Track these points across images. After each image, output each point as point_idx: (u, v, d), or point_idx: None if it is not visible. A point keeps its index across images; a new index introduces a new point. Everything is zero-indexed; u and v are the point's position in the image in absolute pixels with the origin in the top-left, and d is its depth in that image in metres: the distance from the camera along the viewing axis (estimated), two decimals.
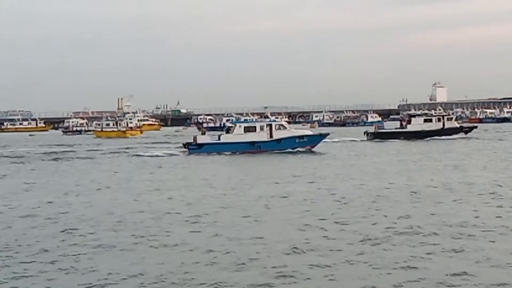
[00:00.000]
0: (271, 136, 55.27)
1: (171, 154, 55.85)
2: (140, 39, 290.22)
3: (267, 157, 50.31)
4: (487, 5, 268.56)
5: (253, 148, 54.54)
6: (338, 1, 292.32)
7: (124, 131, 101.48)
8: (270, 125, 55.92)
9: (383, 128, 69.44)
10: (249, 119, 61.78)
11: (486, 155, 46.13)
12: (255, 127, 56.23)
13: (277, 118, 65.69)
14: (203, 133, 58.31)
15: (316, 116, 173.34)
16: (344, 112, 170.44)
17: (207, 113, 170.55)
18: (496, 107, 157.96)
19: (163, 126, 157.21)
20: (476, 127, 73.48)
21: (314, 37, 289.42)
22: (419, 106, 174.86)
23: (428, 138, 63.60)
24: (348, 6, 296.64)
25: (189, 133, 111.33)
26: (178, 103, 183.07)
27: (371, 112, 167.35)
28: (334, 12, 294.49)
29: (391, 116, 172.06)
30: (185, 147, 56.74)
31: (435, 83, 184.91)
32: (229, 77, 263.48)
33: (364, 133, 68.66)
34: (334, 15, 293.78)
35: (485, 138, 67.29)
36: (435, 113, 70.17)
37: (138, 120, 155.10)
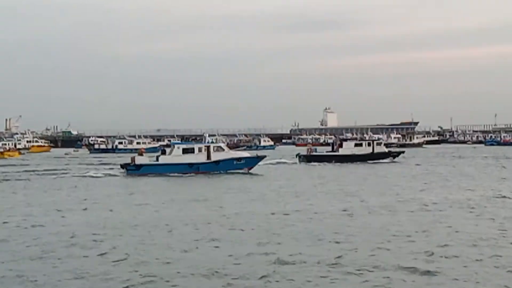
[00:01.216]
0: (209, 157, 56.08)
1: (110, 175, 55.61)
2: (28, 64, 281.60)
3: (204, 178, 50.83)
4: (380, 32, 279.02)
5: (192, 169, 55.10)
6: (232, 26, 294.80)
7: (1, 152, 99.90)
8: (208, 147, 56.73)
9: (316, 151, 71.76)
10: (188, 141, 62.26)
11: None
12: (193, 148, 56.86)
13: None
14: (140, 154, 58.26)
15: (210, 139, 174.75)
16: (237, 135, 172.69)
17: (99, 135, 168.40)
18: (384, 133, 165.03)
19: (53, 147, 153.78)
20: (403, 152, 76.90)
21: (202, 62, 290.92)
22: (311, 130, 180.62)
23: (358, 162, 66.31)
24: (245, 30, 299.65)
25: (79, 155, 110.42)
26: (69, 124, 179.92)
27: (264, 136, 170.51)
28: (225, 37, 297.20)
29: (283, 140, 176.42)
30: (123, 168, 56.60)
31: (326, 108, 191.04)
32: (123, 102, 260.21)
33: (296, 155, 70.64)
34: (227, 39, 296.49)
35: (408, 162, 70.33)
36: (365, 138, 73.26)
37: (27, 141, 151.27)
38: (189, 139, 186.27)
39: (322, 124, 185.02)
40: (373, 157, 68.84)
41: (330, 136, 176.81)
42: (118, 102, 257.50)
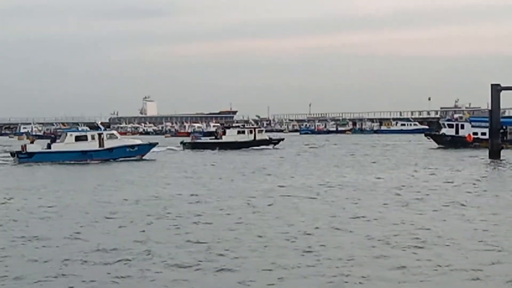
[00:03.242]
0: (102, 145, 56.19)
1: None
2: None
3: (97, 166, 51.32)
4: (200, 21, 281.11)
5: (85, 157, 54.99)
6: (48, 12, 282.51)
7: None
8: (101, 134, 56.79)
9: (200, 139, 73.25)
10: (80, 128, 61.47)
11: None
12: (86, 136, 56.63)
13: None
14: (32, 142, 57.01)
15: (25, 128, 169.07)
16: (54, 124, 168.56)
17: None
18: (203, 122, 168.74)
19: None
20: (283, 139, 79.89)
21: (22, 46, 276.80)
22: (130, 119, 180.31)
23: (241, 149, 68.85)
24: (58, 18, 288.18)
25: None
26: None
27: (82, 124, 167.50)
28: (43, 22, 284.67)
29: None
30: (13, 156, 55.19)
31: (145, 97, 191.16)
32: None
33: (181, 143, 71.77)
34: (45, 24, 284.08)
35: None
36: (247, 125, 75.78)
37: None
38: (2, 128, 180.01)
39: (142, 113, 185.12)
40: (255, 143, 71.86)
41: (150, 125, 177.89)
42: None
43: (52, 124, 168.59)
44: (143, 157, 57.41)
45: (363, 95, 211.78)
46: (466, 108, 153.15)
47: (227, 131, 73.90)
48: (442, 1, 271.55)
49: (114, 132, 60.28)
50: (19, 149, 56.41)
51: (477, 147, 64.77)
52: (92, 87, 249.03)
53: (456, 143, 68.23)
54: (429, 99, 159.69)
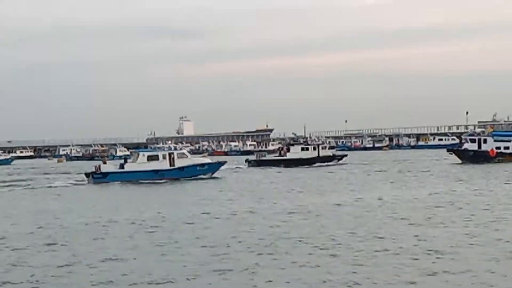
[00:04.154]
0: (172, 164, 57.09)
1: (76, 184, 55.13)
2: None
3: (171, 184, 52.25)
4: (231, 42, 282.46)
5: (157, 176, 55.88)
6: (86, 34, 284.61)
7: None
8: (172, 154, 57.72)
9: (265, 157, 74.28)
10: (151, 148, 62.54)
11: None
12: (157, 155, 57.61)
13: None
14: (104, 162, 58.10)
15: (64, 150, 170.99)
16: (92, 145, 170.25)
17: None
18: (240, 140, 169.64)
19: None
20: (346, 155, 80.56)
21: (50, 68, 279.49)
22: (167, 139, 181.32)
23: (305, 165, 69.64)
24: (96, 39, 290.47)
25: None
26: None
27: (120, 145, 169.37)
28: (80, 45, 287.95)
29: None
30: (87, 176, 56.27)
31: (182, 117, 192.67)
32: None
33: (246, 160, 72.78)
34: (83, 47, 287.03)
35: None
36: (311, 142, 76.53)
37: None
38: (42, 151, 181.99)
39: (178, 133, 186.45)
40: (319, 160, 72.60)
41: (187, 144, 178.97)
42: None
43: (90, 145, 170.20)
44: (213, 175, 58.20)
45: (400, 110, 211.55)
46: (504, 121, 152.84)
47: (291, 148, 74.66)
48: (481, 14, 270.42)
49: (185, 151, 61.07)
50: (92, 169, 57.43)
51: (500, 162, 64.53)
52: (129, 108, 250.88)
53: (478, 157, 67.27)
54: (467, 113, 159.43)
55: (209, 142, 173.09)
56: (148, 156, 57.34)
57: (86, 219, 29.24)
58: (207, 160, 61.85)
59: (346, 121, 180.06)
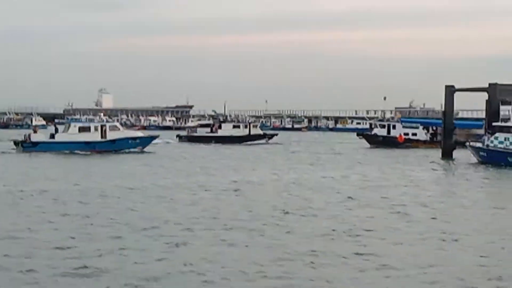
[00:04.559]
0: (104, 136, 56.65)
1: (4, 152, 54.06)
2: None
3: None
4: (158, 15, 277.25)
5: (88, 147, 55.39)
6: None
7: None
8: (104, 126, 57.23)
9: (196, 132, 74.09)
10: (83, 119, 61.64)
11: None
12: (89, 127, 57.06)
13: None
14: (35, 131, 57.08)
15: None
16: (7, 113, 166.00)
17: None
18: (159, 115, 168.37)
19: None
20: (276, 134, 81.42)
21: None
22: (85, 111, 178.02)
23: (236, 143, 69.88)
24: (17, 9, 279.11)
25: None
26: None
27: (36, 115, 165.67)
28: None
29: (56, 120, 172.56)
30: (17, 145, 55.21)
31: (101, 89, 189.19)
32: None
33: (177, 136, 72.40)
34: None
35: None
36: (242, 120, 76.83)
37: None
38: None
39: (97, 105, 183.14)
40: (250, 138, 73.15)
41: (105, 117, 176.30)
42: None
43: (5, 113, 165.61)
44: (144, 150, 58.02)
45: (319, 93, 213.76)
46: (420, 108, 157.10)
47: (223, 125, 75.02)
48: (402, 2, 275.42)
49: (117, 124, 60.62)
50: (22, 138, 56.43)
51: (408, 147, 66.21)
52: (47, 78, 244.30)
53: (387, 143, 68.59)
54: (385, 98, 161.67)
55: (128, 116, 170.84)
56: (80, 127, 56.82)
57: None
58: (139, 133, 61.59)
59: (266, 101, 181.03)
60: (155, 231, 19.09)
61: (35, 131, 57.26)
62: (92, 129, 56.66)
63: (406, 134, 69.67)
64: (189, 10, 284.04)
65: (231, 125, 75.41)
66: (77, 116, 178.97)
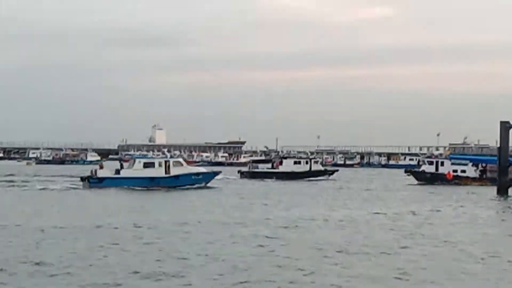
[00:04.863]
0: (168, 172, 57.33)
1: (72, 188, 55.24)
2: None
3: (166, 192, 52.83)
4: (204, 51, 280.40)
5: (152, 183, 56.07)
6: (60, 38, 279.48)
7: None
8: (168, 161, 57.98)
9: (257, 168, 74.74)
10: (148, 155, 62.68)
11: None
12: (153, 163, 57.89)
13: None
14: (101, 167, 58.14)
15: (33, 153, 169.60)
16: (63, 149, 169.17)
17: None
18: (212, 151, 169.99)
19: None
20: (337, 170, 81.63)
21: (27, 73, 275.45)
22: (139, 147, 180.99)
23: (297, 179, 70.31)
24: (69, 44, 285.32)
25: None
26: None
27: (91, 150, 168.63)
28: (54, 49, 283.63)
29: (110, 156, 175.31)
30: (83, 181, 56.30)
31: (155, 125, 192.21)
32: None
33: (238, 172, 73.19)
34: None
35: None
36: (303, 156, 77.25)
37: None
38: (11, 152, 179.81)
39: (150, 141, 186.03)
40: (311, 174, 73.41)
41: (158, 153, 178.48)
42: None
43: (61, 149, 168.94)
44: (207, 185, 58.57)
45: (371, 129, 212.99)
46: (475, 145, 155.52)
47: (284, 161, 75.44)
48: (452, 38, 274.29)
49: (180, 159, 61.33)
50: (88, 174, 57.50)
51: (457, 184, 65.31)
52: (101, 115, 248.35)
53: (435, 180, 67.89)
54: (438, 135, 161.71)
55: (180, 152, 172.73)
56: (144, 163, 57.58)
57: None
58: (202, 169, 62.22)
59: (318, 137, 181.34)
60: None
61: (101, 167, 58.26)
62: (156, 164, 57.42)
63: (455, 171, 68.74)
64: (237, 46, 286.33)
65: (292, 161, 75.77)
66: (131, 152, 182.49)
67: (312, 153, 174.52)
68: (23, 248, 21.81)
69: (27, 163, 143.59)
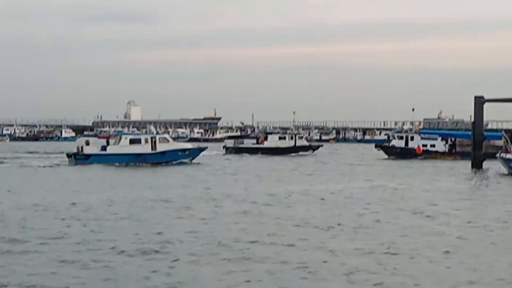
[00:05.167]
0: (154, 148, 57.28)
1: (58, 164, 55.04)
2: None
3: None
4: (181, 28, 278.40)
5: (138, 159, 56.06)
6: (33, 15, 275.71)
7: None
8: (154, 138, 57.91)
9: (242, 144, 75.02)
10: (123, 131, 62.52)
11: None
12: (140, 139, 57.82)
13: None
14: (87, 144, 57.95)
15: (7, 129, 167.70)
16: (37, 126, 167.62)
17: None
18: (187, 127, 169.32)
19: None
20: (322, 145, 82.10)
21: None
22: (114, 123, 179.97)
23: (282, 154, 70.72)
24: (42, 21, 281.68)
25: None
26: None
27: (65, 127, 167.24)
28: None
29: (85, 132, 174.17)
30: (69, 157, 56.09)
31: (130, 102, 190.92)
32: None
33: (223, 147, 73.46)
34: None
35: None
36: (288, 132, 77.58)
37: None
38: None
39: (125, 117, 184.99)
40: (296, 149, 73.71)
41: (133, 129, 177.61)
42: None
43: (35, 126, 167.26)
44: (193, 161, 58.63)
45: (347, 105, 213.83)
46: (449, 119, 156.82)
47: (269, 136, 75.86)
48: (427, 14, 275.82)
49: (166, 136, 61.27)
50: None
51: (426, 158, 65.50)
52: (76, 91, 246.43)
53: (405, 154, 67.89)
54: (413, 110, 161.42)
55: (156, 128, 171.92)
56: (131, 140, 57.50)
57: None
58: (188, 145, 62.22)
59: (294, 112, 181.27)
60: None
61: (87, 144, 58.08)
62: (143, 141, 57.33)
63: (425, 145, 68.95)
64: (212, 22, 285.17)
65: (277, 136, 76.25)
66: (106, 128, 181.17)
67: (288, 129, 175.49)
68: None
69: (1, 140, 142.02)
